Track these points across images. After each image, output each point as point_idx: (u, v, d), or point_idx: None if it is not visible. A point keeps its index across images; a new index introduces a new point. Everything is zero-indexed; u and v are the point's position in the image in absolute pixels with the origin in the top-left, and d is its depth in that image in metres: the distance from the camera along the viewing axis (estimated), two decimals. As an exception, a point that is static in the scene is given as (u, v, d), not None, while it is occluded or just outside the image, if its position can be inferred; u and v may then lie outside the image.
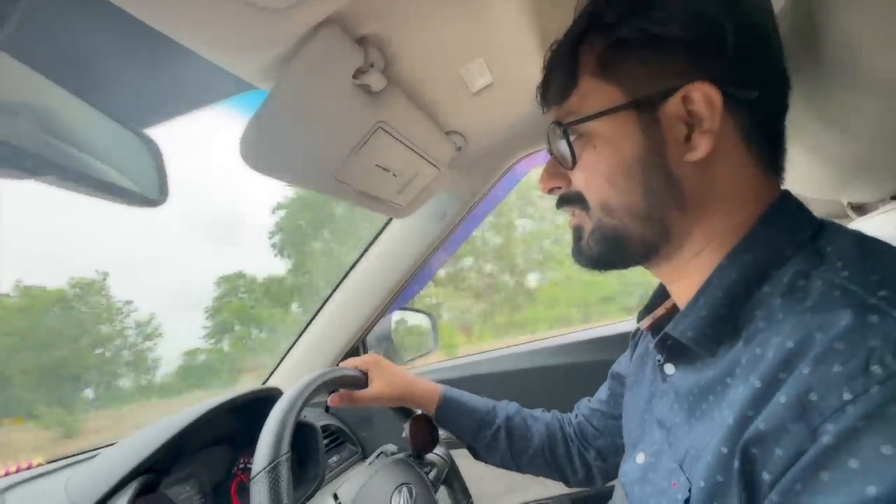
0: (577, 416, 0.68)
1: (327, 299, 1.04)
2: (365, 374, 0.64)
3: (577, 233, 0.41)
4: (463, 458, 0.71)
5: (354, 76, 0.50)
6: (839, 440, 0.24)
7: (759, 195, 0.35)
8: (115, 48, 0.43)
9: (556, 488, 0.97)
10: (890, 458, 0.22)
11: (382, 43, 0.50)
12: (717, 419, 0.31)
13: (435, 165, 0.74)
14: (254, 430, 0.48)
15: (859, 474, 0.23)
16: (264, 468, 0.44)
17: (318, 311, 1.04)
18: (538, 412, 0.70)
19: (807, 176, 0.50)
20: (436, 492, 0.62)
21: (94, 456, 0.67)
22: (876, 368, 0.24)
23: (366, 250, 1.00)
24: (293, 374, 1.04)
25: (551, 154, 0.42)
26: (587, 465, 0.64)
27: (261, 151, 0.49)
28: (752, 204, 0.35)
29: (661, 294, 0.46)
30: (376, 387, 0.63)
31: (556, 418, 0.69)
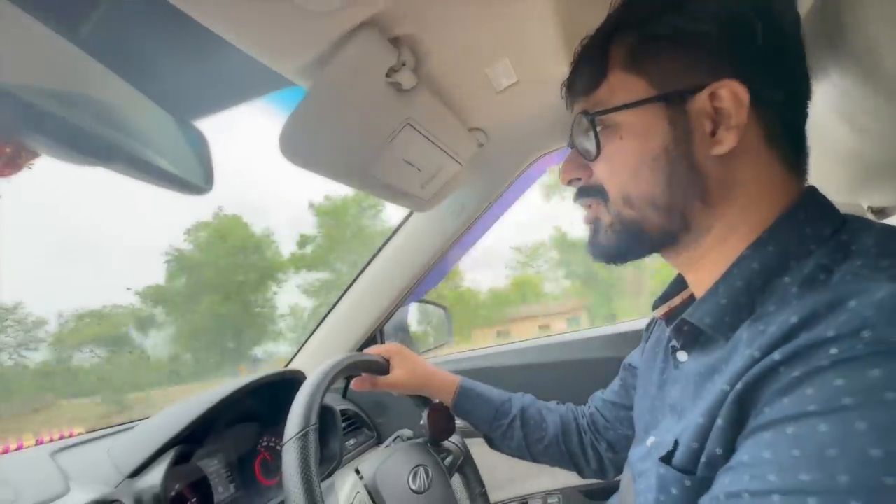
0: (590, 407, 0.69)
1: (347, 289, 1.07)
2: (387, 362, 0.67)
3: (594, 226, 0.42)
4: (477, 446, 0.74)
5: (387, 74, 0.52)
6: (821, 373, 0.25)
7: (782, 191, 0.36)
8: (172, 45, 0.46)
9: (566, 479, 0.99)
10: (850, 407, 0.24)
11: (415, 43, 0.53)
12: (712, 391, 0.32)
13: (458, 161, 0.76)
14: (277, 410, 0.51)
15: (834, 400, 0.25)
16: (296, 434, 0.47)
17: (339, 299, 1.08)
18: (552, 404, 0.72)
19: (826, 179, 0.50)
20: (450, 478, 0.65)
21: (132, 427, 0.71)
22: (866, 333, 0.25)
23: (386, 243, 1.03)
24: (314, 359, 1.08)
25: (573, 147, 0.43)
26: (599, 456, 0.66)
27: (299, 146, 0.51)
28: (774, 199, 0.36)
29: (678, 284, 0.47)
30: (398, 374, 0.66)
31: (570, 410, 0.71)
